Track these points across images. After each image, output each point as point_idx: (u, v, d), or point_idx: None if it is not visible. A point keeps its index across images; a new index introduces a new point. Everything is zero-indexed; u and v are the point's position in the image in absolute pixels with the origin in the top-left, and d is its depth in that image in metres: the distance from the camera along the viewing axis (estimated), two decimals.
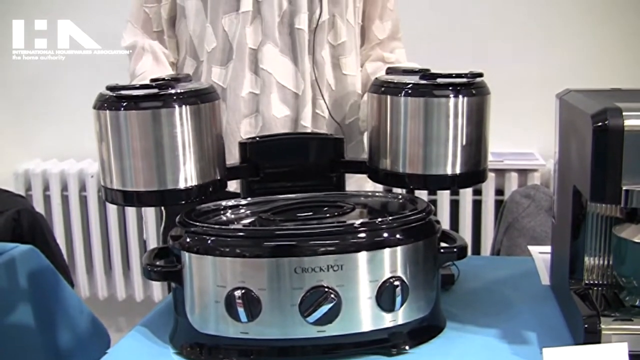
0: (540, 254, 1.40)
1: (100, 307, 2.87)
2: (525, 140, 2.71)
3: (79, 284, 2.97)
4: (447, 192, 2.66)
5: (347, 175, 1.25)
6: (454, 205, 2.69)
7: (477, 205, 2.68)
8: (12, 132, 3.00)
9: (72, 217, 2.90)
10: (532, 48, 2.66)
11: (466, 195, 2.65)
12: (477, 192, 2.67)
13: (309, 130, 1.41)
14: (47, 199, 2.92)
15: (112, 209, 2.87)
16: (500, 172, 2.62)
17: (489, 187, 2.62)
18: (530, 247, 1.47)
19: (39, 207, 2.88)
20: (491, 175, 2.62)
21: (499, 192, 2.64)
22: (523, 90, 2.63)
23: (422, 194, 2.59)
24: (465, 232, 2.68)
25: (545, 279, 1.29)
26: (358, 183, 1.47)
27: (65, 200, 2.90)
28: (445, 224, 2.67)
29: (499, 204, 2.50)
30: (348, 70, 1.45)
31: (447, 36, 2.68)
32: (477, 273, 1.32)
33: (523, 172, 2.60)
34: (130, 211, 2.86)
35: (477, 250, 2.69)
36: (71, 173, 2.85)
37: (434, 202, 2.67)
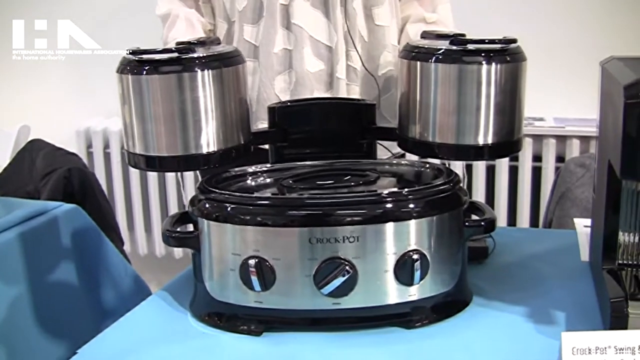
0: (585, 227, 1.34)
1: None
2: (590, 105, 2.61)
3: (139, 241, 3.03)
4: (506, 158, 2.59)
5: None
6: (513, 172, 2.62)
7: (537, 172, 2.60)
8: (74, 89, 3.05)
9: (131, 175, 2.94)
10: (595, 6, 2.56)
11: (525, 162, 2.57)
12: (537, 159, 2.59)
13: (343, 84, 1.38)
14: (107, 157, 2.96)
15: None
16: (562, 139, 2.53)
17: (549, 154, 2.54)
18: (575, 220, 1.41)
19: (99, 165, 2.93)
20: (552, 142, 2.54)
21: (561, 159, 2.55)
22: (590, 53, 2.53)
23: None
24: (524, 201, 2.61)
25: (585, 254, 1.23)
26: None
27: (124, 158, 2.93)
28: (503, 193, 2.61)
29: None
30: (380, 21, 1.40)
31: None
32: (514, 246, 1.28)
33: (585, 139, 2.50)
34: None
35: (535, 221, 2.61)
36: None
37: (492, 168, 2.61)
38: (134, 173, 2.92)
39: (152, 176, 2.91)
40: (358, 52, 1.38)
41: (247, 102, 1.13)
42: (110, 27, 2.89)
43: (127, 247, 2.76)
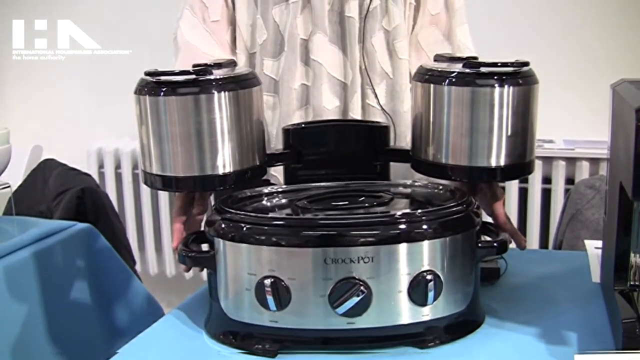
0: (596, 249, 1.35)
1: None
2: (599, 127, 2.62)
3: (150, 261, 3.03)
4: (516, 180, 2.60)
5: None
6: (523, 194, 2.63)
7: (546, 194, 2.61)
8: (86, 109, 3.07)
9: (142, 195, 2.95)
10: (606, 30, 2.57)
11: (535, 183, 2.58)
12: (547, 181, 2.60)
13: None
14: (118, 177, 2.98)
15: None
16: (571, 161, 2.54)
17: (559, 176, 2.55)
18: (586, 241, 1.42)
19: (110, 185, 2.95)
20: (561, 164, 2.55)
21: (570, 181, 2.56)
22: (599, 75, 2.54)
23: None
24: (534, 222, 2.61)
25: (596, 276, 1.24)
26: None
27: (135, 178, 2.95)
28: (513, 213, 2.62)
29: None
30: (403, 55, 1.39)
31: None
32: (525, 267, 1.28)
33: (595, 161, 2.51)
34: None
35: (545, 241, 2.62)
36: None
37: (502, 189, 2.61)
38: (145, 193, 2.94)
39: (163, 196, 2.92)
40: (374, 90, 1.37)
41: (263, 123, 1.15)
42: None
43: (137, 267, 2.76)
